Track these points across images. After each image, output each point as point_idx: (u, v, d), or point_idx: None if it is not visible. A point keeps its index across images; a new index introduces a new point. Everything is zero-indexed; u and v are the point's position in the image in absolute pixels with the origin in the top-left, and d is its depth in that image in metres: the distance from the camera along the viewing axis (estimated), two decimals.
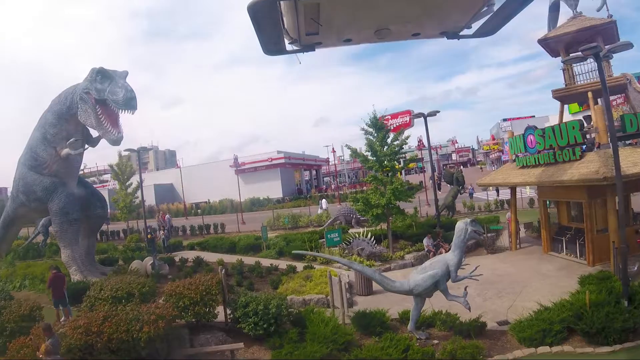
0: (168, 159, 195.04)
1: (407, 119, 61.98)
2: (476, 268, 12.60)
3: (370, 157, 23.91)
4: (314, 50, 7.37)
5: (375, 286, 17.31)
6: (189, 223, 49.60)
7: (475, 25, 7.47)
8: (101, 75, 17.47)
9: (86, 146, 20.55)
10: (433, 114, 27.08)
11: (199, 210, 63.77)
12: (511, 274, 18.93)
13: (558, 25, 22.13)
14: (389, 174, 23.62)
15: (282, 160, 68.90)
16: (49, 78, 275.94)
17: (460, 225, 12.53)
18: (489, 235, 24.75)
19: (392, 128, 64.76)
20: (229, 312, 13.83)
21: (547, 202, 22.73)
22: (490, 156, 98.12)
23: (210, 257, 25.05)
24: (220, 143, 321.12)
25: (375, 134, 23.85)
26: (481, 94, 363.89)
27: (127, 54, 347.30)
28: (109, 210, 27.10)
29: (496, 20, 7.10)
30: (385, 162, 23.29)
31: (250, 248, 26.50)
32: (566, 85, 21.69)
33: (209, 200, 68.51)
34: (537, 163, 20.53)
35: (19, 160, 21.31)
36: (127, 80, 17.75)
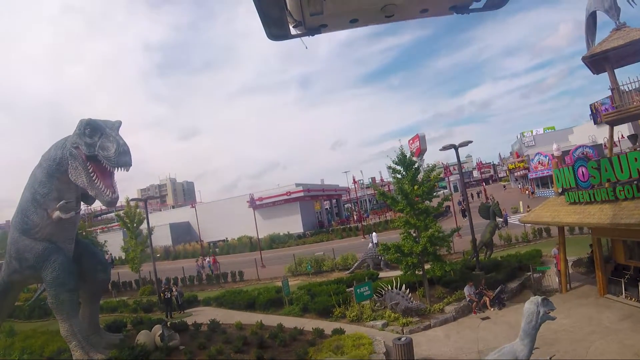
0: (187, 191, 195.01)
1: (418, 144, 61.21)
2: (551, 358, 10.08)
3: (400, 199, 21.43)
4: (320, 33, 6.96)
5: (417, 355, 15.01)
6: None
7: None
8: (90, 127, 15.18)
9: (81, 207, 18.41)
10: (465, 144, 25.11)
11: (217, 250, 61.35)
12: (569, 329, 16.31)
13: (600, 39, 19.84)
14: (423, 218, 21.14)
15: (302, 194, 66.23)
16: (66, 115, 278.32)
17: (530, 307, 10.01)
18: (535, 275, 22.22)
19: (413, 153, 63.21)
20: None
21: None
22: (516, 174, 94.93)
23: (227, 316, 22.87)
24: (239, 171, 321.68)
25: (405, 173, 21.50)
26: (495, 106, 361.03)
27: (143, 87, 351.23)
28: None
29: None
30: (419, 204, 20.89)
31: (271, 304, 24.09)
32: (616, 106, 19.22)
33: (227, 238, 66.03)
34: (593, 200, 17.93)
35: (11, 223, 19.24)
36: (121, 131, 15.54)
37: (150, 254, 30.45)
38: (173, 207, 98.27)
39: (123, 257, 49.28)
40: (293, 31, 6.91)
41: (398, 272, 24.56)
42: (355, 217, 73.14)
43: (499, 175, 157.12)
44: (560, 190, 20.56)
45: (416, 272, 21.35)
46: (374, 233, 39.35)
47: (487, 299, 20.51)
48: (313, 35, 6.97)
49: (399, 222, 21.67)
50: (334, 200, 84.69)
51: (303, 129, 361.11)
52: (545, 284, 22.39)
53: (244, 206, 58.95)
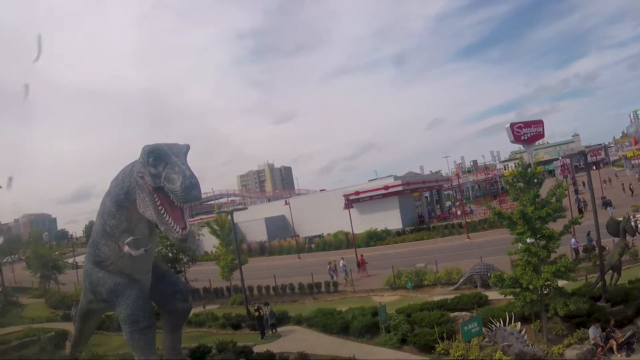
0: (285, 177, 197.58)
1: (540, 129, 57.00)
2: None
3: (521, 223, 18.18)
4: None
5: None
6: (300, 265, 46.32)
7: None
8: (154, 156, 13.22)
9: (155, 240, 16.90)
10: (594, 148, 22.05)
11: (312, 246, 60.09)
12: None
13: None
14: (546, 244, 17.98)
15: (400, 187, 62.61)
16: (163, 107, 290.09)
17: None
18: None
19: (526, 138, 59.46)
20: None
21: None
22: (633, 161, 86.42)
23: (318, 342, 21.58)
24: (334, 154, 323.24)
25: (526, 189, 18.40)
26: (601, 78, 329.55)
27: (237, 74, 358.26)
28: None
29: None
30: (543, 229, 17.75)
31: (367, 329, 21.80)
32: None
33: (322, 234, 63.93)
34: None
35: (86, 253, 18.13)
36: (189, 156, 13.58)
37: (238, 265, 29.13)
38: (268, 199, 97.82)
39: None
40: None
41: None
42: (457, 210, 69.23)
43: (611, 159, 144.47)
44: None
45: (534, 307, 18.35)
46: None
47: (615, 343, 17.11)
48: None
49: (520, 249, 18.51)
50: (435, 192, 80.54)
51: (398, 108, 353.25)
52: None
53: (340, 200, 56.64)
